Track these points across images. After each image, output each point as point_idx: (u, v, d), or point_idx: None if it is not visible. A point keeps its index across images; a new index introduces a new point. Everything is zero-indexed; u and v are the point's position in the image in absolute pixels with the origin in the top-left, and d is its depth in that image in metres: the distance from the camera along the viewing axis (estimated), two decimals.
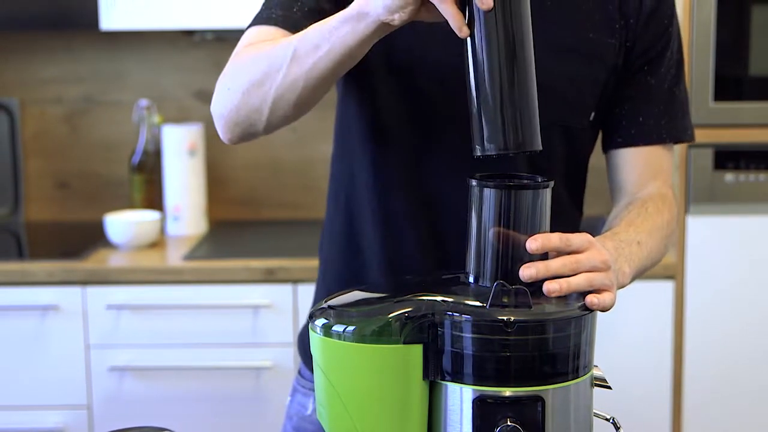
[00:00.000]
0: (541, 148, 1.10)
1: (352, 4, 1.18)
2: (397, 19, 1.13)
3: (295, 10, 1.36)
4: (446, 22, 1.11)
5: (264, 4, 1.42)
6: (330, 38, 1.20)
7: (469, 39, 1.09)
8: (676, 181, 2.56)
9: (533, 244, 1.09)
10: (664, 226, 1.43)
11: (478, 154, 1.10)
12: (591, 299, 1.10)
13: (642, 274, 1.35)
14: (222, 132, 1.38)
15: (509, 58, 1.08)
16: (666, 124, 1.47)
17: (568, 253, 1.13)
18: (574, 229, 1.48)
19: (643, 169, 1.48)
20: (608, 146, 1.50)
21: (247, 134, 1.35)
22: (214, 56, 3.03)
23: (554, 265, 1.10)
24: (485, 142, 1.09)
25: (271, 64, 1.26)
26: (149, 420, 2.54)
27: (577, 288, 1.11)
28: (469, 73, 1.10)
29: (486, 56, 1.08)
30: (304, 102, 1.28)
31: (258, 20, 1.39)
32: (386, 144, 1.42)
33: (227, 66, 1.36)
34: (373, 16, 1.15)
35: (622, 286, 1.25)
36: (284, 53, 1.24)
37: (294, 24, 1.34)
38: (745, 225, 2.56)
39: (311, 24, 1.31)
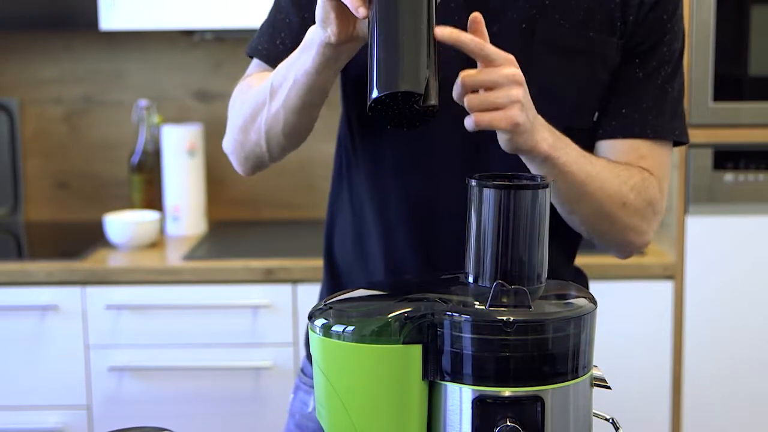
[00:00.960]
0: (421, 91, 1.10)
1: (307, 34, 1.27)
2: (331, 33, 1.20)
3: (278, 42, 1.45)
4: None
5: (259, 29, 1.50)
6: (292, 69, 1.29)
7: (368, 23, 1.13)
8: (675, 181, 2.56)
9: (444, 31, 1.14)
10: (629, 181, 1.38)
11: (368, 111, 1.12)
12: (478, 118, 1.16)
13: (579, 194, 1.33)
14: (236, 167, 1.49)
15: (391, 19, 1.11)
16: (653, 120, 1.43)
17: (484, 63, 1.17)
18: (573, 233, 1.48)
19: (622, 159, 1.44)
20: (595, 138, 1.48)
21: (257, 165, 1.47)
22: (213, 56, 3.04)
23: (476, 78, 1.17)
24: (366, 97, 1.11)
25: (257, 101, 1.37)
26: (149, 420, 2.54)
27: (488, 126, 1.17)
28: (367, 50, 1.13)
29: (375, 26, 1.12)
30: (291, 131, 1.37)
31: (250, 48, 1.50)
32: (382, 151, 1.43)
33: (230, 102, 1.47)
34: (316, 39, 1.23)
35: (533, 149, 1.25)
36: (265, 90, 1.35)
37: (276, 58, 1.41)
38: (745, 225, 2.57)
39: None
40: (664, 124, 1.44)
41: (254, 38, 1.49)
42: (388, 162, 1.42)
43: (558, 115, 1.38)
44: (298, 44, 1.36)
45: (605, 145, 1.44)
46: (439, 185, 1.39)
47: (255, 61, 1.49)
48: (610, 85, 1.42)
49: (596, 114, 1.43)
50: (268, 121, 1.36)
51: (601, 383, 1.14)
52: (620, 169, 1.39)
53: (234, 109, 1.44)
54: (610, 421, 1.16)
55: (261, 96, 1.36)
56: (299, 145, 1.42)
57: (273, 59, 1.42)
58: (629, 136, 1.43)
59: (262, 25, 1.49)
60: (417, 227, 1.42)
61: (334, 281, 1.53)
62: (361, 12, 1.13)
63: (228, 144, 1.47)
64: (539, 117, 1.25)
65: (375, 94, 1.10)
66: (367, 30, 1.14)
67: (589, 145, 1.47)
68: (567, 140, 1.31)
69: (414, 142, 1.40)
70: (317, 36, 1.22)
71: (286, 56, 1.37)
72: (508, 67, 1.17)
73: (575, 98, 1.40)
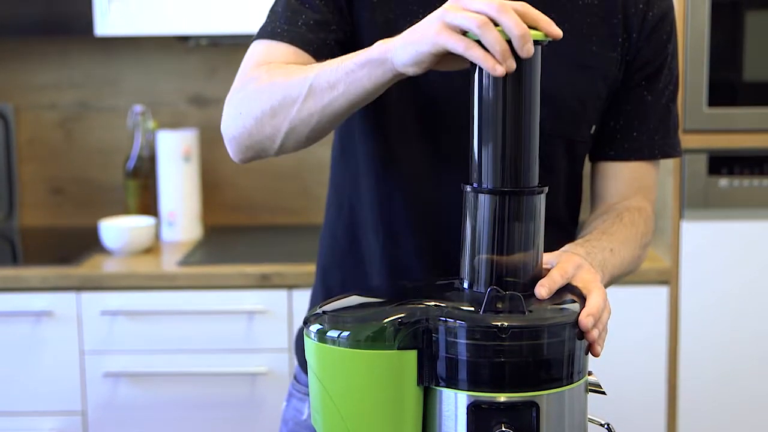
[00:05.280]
0: (536, 182, 1.11)
1: (371, 49, 1.18)
2: (411, 72, 1.14)
3: (300, 23, 1.37)
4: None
5: (268, 16, 1.42)
6: (346, 79, 1.21)
7: (476, 82, 1.10)
8: (670, 186, 2.57)
9: (543, 290, 1.11)
10: (639, 238, 1.44)
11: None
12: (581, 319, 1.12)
13: (616, 280, 1.38)
14: (233, 153, 1.38)
15: (517, 112, 1.09)
16: (659, 140, 1.49)
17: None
18: (570, 241, 1.48)
19: (628, 183, 1.49)
20: (598, 157, 1.51)
21: (257, 156, 1.37)
22: (208, 62, 3.04)
23: (559, 281, 1.14)
24: (482, 182, 1.11)
25: (285, 96, 1.27)
26: (144, 426, 2.53)
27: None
28: (474, 111, 1.11)
29: (492, 106, 1.09)
30: (317, 134, 1.30)
31: (263, 34, 1.40)
32: (390, 156, 1.42)
33: (236, 86, 1.36)
34: (389, 65, 1.16)
35: None
36: (299, 87, 1.25)
37: (301, 39, 1.36)
38: (740, 230, 2.57)
39: (318, 37, 1.35)
40: (668, 142, 1.50)
41: (265, 25, 1.40)
42: (397, 168, 1.42)
43: (560, 128, 1.40)
44: (319, 24, 1.35)
45: (613, 168, 1.49)
46: (448, 192, 1.39)
47: (262, 46, 1.38)
48: (619, 106, 1.46)
49: (593, 128, 1.45)
50: (295, 120, 1.27)
51: (596, 389, 1.14)
52: (631, 233, 1.43)
53: (247, 97, 1.32)
54: (606, 426, 1.17)
55: (291, 93, 1.26)
56: (311, 145, 1.38)
57: (298, 41, 1.36)
58: (639, 158, 1.48)
59: (275, 12, 1.40)
60: (423, 233, 1.42)
61: (324, 286, 1.53)
62: (499, 70, 1.06)
63: (231, 129, 1.35)
64: (592, 270, 1.22)
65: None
66: (474, 93, 1.10)
67: (584, 157, 1.49)
68: (598, 251, 1.32)
69: (425, 150, 1.40)
70: (391, 63, 1.16)
71: (310, 36, 1.35)
72: (587, 270, 1.19)
73: (577, 112, 1.42)
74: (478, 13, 1.07)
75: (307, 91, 1.24)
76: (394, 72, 1.16)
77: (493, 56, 1.06)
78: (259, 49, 1.39)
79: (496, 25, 1.06)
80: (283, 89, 1.27)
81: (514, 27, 1.05)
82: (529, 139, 1.10)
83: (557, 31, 1.09)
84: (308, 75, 1.25)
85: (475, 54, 1.06)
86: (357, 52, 1.21)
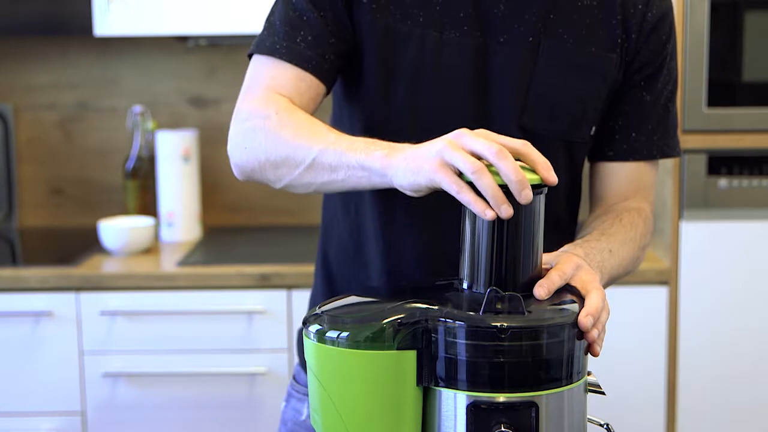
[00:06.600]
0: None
1: (373, 158, 1.19)
2: (409, 194, 1.16)
3: (299, 40, 1.37)
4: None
5: (266, 28, 1.42)
6: (347, 171, 1.23)
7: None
8: (669, 186, 2.57)
9: (542, 291, 1.11)
10: (638, 239, 1.44)
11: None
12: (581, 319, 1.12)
13: (615, 281, 1.38)
14: (237, 174, 1.40)
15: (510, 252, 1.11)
16: (657, 141, 1.49)
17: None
18: (569, 242, 1.49)
19: (627, 184, 1.49)
20: (597, 157, 1.51)
21: (260, 183, 1.40)
22: (208, 62, 3.04)
23: (558, 282, 1.15)
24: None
25: (288, 157, 1.29)
26: (143, 426, 2.53)
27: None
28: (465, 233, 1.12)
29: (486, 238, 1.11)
30: (317, 194, 1.34)
31: (263, 49, 1.40)
32: None
33: (242, 111, 1.37)
34: (388, 180, 1.18)
35: None
36: (303, 155, 1.27)
37: (300, 57, 1.36)
38: (739, 230, 2.57)
39: (316, 53, 1.36)
40: (667, 142, 1.50)
41: (263, 38, 1.40)
42: None
43: (559, 128, 1.40)
44: (317, 39, 1.36)
45: (612, 168, 1.49)
46: (450, 203, 1.39)
47: (263, 63, 1.39)
48: (618, 106, 1.46)
49: (593, 128, 1.45)
50: (295, 181, 1.30)
51: (596, 389, 1.14)
52: (631, 234, 1.43)
53: (254, 134, 1.33)
54: (605, 426, 1.17)
55: (295, 157, 1.28)
56: None
57: (297, 59, 1.37)
58: (638, 158, 1.49)
59: (272, 24, 1.40)
60: (423, 236, 1.42)
61: (328, 287, 1.53)
62: (489, 215, 1.07)
63: (236, 157, 1.37)
64: (591, 270, 1.23)
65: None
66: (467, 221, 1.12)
67: (584, 158, 1.49)
68: (597, 252, 1.32)
69: None
70: (390, 179, 1.17)
71: (309, 53, 1.35)
72: (586, 271, 1.19)
73: (576, 112, 1.42)
74: (476, 155, 1.08)
75: (309, 163, 1.26)
76: (391, 186, 1.18)
77: (485, 200, 1.07)
78: (261, 67, 1.39)
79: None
80: (287, 149, 1.29)
81: (511, 173, 1.06)
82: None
83: (553, 178, 1.09)
84: (314, 146, 1.26)
85: (465, 198, 1.08)
86: (362, 143, 1.22)
